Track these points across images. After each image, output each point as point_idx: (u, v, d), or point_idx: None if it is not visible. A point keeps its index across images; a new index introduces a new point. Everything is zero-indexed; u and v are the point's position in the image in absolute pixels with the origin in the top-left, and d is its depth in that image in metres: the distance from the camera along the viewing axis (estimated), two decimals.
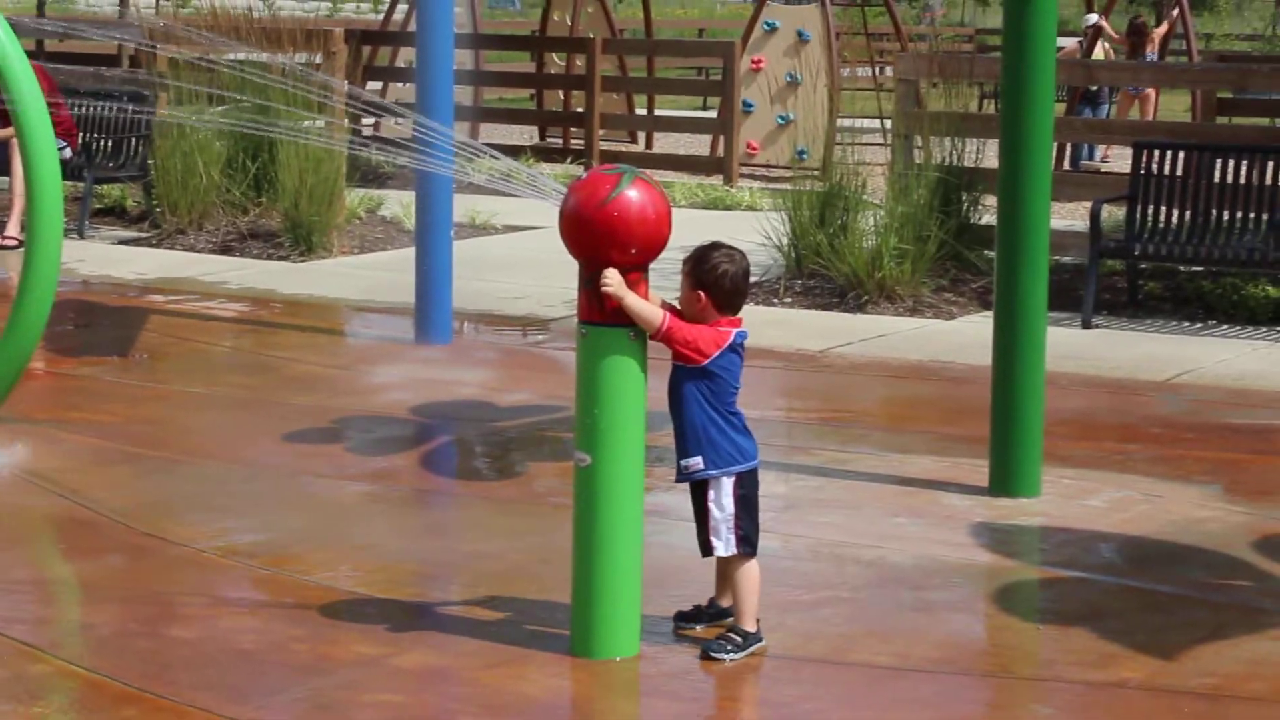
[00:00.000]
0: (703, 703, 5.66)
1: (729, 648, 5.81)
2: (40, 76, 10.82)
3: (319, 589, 6.49)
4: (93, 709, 5.44)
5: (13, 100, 8.56)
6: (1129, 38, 22.46)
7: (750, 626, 5.87)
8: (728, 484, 5.82)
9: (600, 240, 5.54)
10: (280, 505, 7.67)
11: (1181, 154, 12.29)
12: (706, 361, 5.73)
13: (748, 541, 5.86)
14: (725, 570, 5.97)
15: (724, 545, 5.84)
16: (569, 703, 5.67)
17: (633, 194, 5.52)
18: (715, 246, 5.84)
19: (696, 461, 5.80)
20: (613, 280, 5.55)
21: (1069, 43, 22.84)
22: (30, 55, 8.96)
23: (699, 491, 5.85)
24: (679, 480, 5.89)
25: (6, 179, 15.41)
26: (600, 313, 5.62)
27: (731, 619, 5.93)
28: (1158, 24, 23.24)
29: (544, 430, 8.92)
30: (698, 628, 6.02)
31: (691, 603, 6.10)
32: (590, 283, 5.61)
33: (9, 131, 12.44)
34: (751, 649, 5.84)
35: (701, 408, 5.76)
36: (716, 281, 5.76)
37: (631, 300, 5.59)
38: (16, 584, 6.62)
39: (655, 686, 5.68)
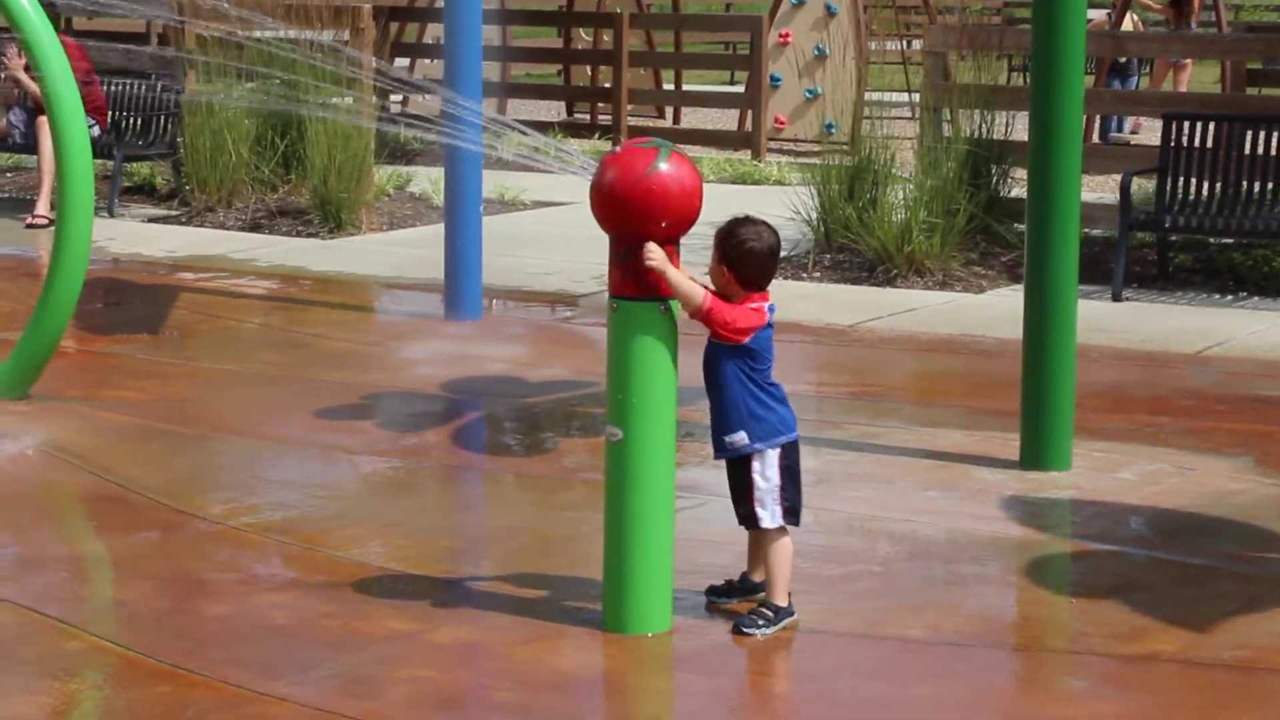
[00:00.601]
0: (735, 677, 5.66)
1: (761, 622, 5.81)
2: (78, 55, 10.83)
3: (350, 565, 6.50)
4: (127, 685, 5.46)
5: (42, 78, 8.58)
6: (1172, 9, 22.34)
7: (782, 601, 5.86)
8: (773, 455, 5.80)
9: (635, 214, 5.51)
10: (311, 481, 7.69)
11: (1211, 125, 12.23)
12: (746, 340, 5.71)
13: (793, 512, 5.85)
14: (758, 544, 5.96)
15: (770, 516, 5.82)
16: (602, 677, 5.68)
17: (668, 168, 5.51)
18: (744, 222, 5.80)
19: (740, 437, 5.78)
20: (657, 255, 5.51)
21: (1098, 15, 22.73)
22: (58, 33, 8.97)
23: (740, 466, 5.83)
24: (719, 456, 5.88)
25: (35, 157, 15.45)
26: (633, 287, 5.60)
27: (763, 593, 5.93)
28: None
29: (574, 406, 8.93)
30: (730, 602, 6.02)
31: (723, 577, 6.11)
32: (622, 257, 5.58)
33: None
34: (783, 623, 5.84)
35: (742, 384, 5.74)
36: (742, 259, 5.72)
37: (675, 277, 5.56)
38: (50, 561, 6.63)
39: (688, 661, 5.68)
